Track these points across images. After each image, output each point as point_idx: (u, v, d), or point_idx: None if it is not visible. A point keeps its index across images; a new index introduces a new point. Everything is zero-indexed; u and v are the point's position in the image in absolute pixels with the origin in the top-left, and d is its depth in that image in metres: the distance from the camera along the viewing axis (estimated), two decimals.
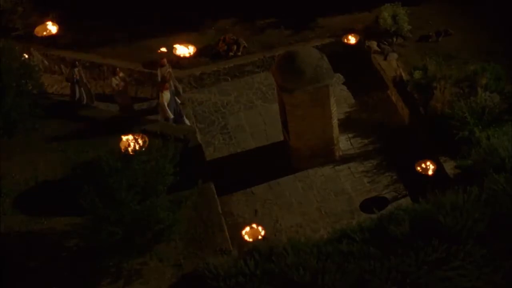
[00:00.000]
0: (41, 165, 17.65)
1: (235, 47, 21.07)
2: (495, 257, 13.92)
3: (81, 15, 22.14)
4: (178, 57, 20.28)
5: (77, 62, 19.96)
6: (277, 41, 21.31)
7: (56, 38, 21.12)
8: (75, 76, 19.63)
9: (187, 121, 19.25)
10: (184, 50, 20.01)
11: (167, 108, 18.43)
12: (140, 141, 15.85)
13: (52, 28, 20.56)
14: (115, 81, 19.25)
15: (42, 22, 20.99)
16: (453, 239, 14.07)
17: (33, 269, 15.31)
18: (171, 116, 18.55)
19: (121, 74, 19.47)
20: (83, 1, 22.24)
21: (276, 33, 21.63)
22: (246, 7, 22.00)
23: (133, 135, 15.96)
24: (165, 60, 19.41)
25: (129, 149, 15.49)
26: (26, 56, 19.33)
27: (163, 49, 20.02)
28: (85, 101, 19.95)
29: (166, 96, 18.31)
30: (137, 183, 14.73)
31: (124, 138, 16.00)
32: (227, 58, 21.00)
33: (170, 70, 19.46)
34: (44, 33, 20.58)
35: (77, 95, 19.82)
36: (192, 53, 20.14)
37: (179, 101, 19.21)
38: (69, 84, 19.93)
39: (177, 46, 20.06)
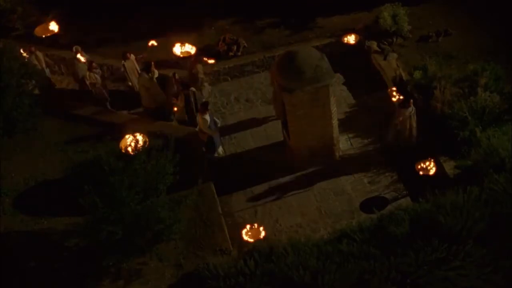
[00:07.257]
0: (41, 165, 17.64)
1: (235, 47, 21.05)
2: (495, 257, 13.91)
3: (81, 14, 22.13)
4: (178, 57, 20.25)
5: (193, 88, 18.80)
6: (277, 41, 21.29)
7: (56, 37, 21.11)
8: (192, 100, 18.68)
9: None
10: (183, 49, 19.86)
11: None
12: (140, 141, 15.85)
13: (52, 28, 20.53)
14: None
15: (42, 22, 20.98)
16: (453, 239, 14.06)
17: (33, 269, 15.31)
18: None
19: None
20: (83, 1, 22.23)
21: (276, 33, 21.61)
22: (246, 7, 22.00)
23: (133, 135, 15.94)
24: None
25: (129, 149, 15.50)
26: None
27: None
28: None
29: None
30: (137, 183, 14.74)
31: (124, 138, 15.97)
32: (227, 58, 21.00)
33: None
34: (44, 33, 20.55)
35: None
36: (192, 53, 20.10)
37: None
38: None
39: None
